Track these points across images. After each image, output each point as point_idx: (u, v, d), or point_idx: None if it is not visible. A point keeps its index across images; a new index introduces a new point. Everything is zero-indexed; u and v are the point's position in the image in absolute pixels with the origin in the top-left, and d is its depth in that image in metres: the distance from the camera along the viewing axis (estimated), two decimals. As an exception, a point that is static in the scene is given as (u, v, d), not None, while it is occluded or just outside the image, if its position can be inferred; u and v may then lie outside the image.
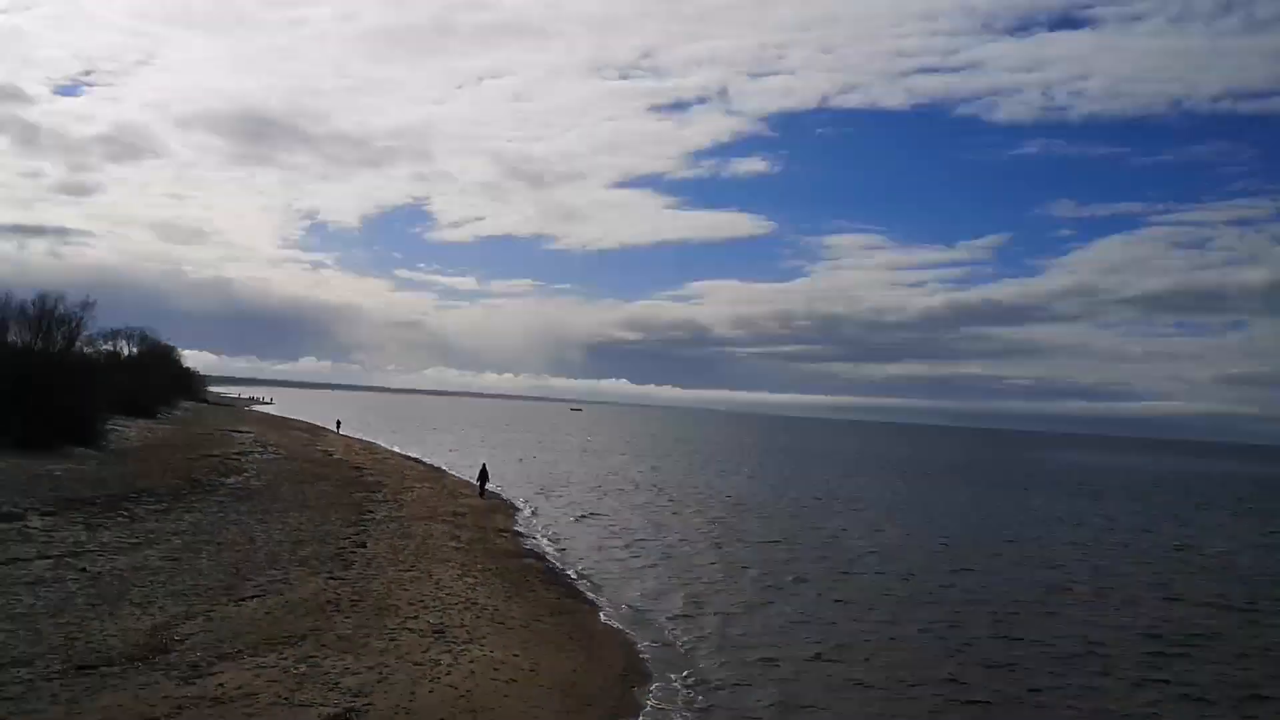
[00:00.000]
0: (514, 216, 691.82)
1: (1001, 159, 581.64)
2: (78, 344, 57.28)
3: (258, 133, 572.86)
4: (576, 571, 30.17)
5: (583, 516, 44.13)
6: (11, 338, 50.53)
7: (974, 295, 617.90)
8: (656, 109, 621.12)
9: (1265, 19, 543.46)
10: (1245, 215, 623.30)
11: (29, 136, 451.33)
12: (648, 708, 17.47)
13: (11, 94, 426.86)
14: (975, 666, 21.63)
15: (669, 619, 24.59)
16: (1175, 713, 19.24)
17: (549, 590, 26.15)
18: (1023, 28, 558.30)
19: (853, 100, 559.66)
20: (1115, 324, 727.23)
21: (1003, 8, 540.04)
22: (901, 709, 18.49)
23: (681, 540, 38.54)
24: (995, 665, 21.89)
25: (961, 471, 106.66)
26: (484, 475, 49.78)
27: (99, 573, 21.59)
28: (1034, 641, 24.23)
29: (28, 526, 26.07)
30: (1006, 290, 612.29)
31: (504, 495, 49.40)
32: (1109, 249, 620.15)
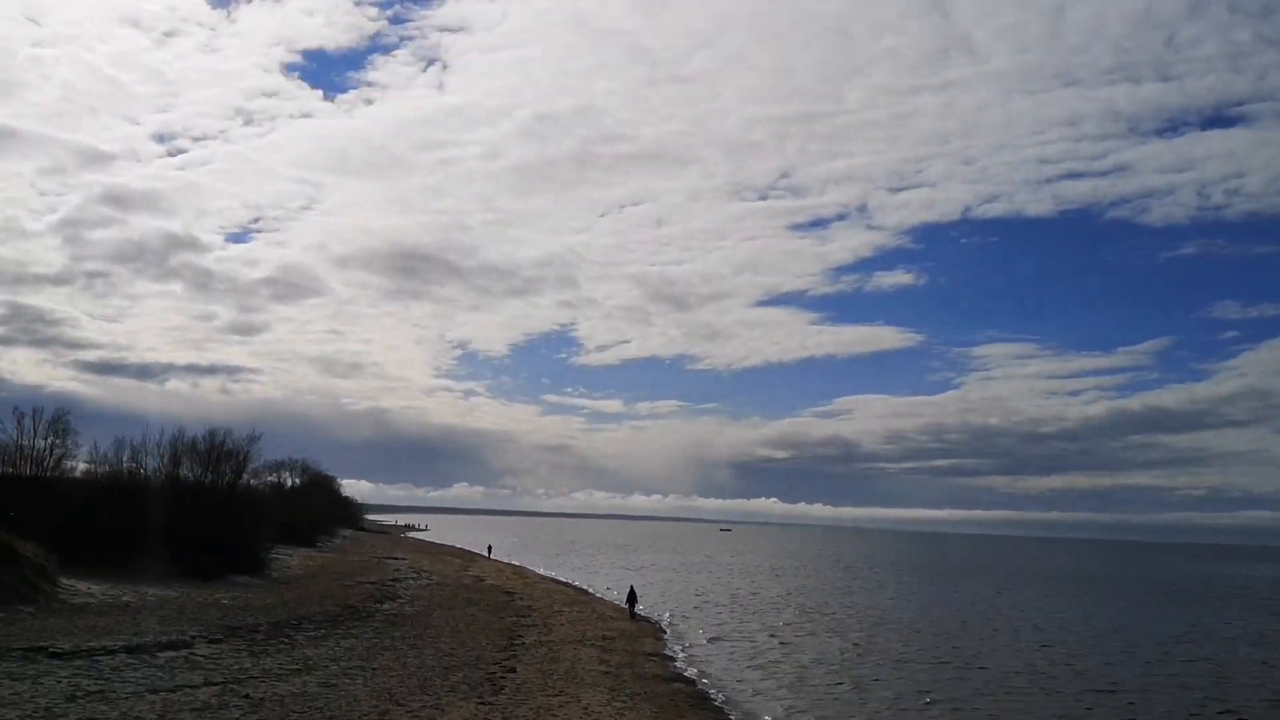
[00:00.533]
0: (658, 339, 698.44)
1: (1157, 261, 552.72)
2: (244, 476, 59.94)
3: (410, 268, 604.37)
4: (723, 695, 29.30)
5: (727, 638, 43.10)
6: (184, 472, 53.34)
7: (1136, 402, 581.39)
8: (796, 227, 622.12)
9: None
10: None
11: (203, 282, 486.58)
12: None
13: (189, 243, 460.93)
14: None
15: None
16: None
17: (697, 715, 25.39)
18: (1171, 129, 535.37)
19: (996, 209, 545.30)
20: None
21: (1149, 110, 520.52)
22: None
23: (817, 661, 37.24)
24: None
25: (1125, 585, 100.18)
26: (633, 598, 49.33)
27: (261, 699, 22.05)
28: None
29: (194, 654, 27.02)
30: (1172, 396, 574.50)
31: (652, 618, 48.72)
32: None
